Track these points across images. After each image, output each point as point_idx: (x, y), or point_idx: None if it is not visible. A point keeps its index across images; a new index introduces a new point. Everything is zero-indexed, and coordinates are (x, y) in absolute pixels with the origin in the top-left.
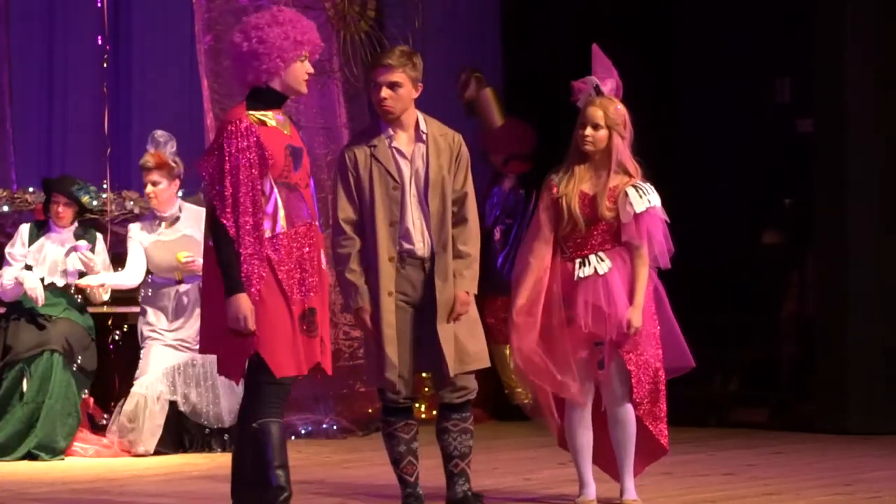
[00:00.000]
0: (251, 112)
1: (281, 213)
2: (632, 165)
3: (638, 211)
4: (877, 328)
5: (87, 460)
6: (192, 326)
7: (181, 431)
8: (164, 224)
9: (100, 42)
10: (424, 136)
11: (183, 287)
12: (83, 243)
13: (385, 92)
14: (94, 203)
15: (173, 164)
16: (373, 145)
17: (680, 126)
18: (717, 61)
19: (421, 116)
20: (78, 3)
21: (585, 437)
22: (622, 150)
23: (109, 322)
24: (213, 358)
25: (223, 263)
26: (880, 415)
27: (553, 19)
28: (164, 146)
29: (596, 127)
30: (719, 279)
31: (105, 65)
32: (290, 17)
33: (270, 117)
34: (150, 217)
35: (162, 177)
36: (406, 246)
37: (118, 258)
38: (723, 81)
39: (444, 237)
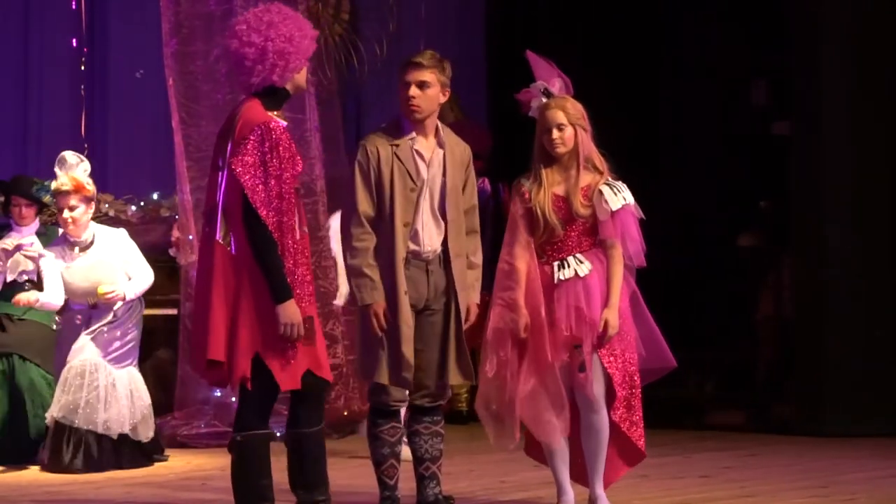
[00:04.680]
0: (270, 112)
1: (298, 217)
2: (598, 159)
3: (614, 209)
4: (853, 330)
5: None
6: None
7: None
8: (77, 249)
9: (74, 45)
10: (444, 144)
11: (96, 312)
12: (27, 241)
13: (414, 90)
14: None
15: (89, 188)
16: (395, 144)
17: (657, 127)
18: (694, 64)
19: (439, 124)
20: (53, 5)
21: (562, 445)
22: (588, 144)
23: None
24: (92, 363)
25: (269, 268)
26: (856, 417)
27: (533, 24)
28: (77, 168)
29: (560, 127)
30: (696, 281)
31: (83, 67)
32: (296, 14)
33: (283, 118)
34: (60, 242)
35: (80, 201)
36: (412, 247)
37: None
38: (700, 83)
39: (459, 245)
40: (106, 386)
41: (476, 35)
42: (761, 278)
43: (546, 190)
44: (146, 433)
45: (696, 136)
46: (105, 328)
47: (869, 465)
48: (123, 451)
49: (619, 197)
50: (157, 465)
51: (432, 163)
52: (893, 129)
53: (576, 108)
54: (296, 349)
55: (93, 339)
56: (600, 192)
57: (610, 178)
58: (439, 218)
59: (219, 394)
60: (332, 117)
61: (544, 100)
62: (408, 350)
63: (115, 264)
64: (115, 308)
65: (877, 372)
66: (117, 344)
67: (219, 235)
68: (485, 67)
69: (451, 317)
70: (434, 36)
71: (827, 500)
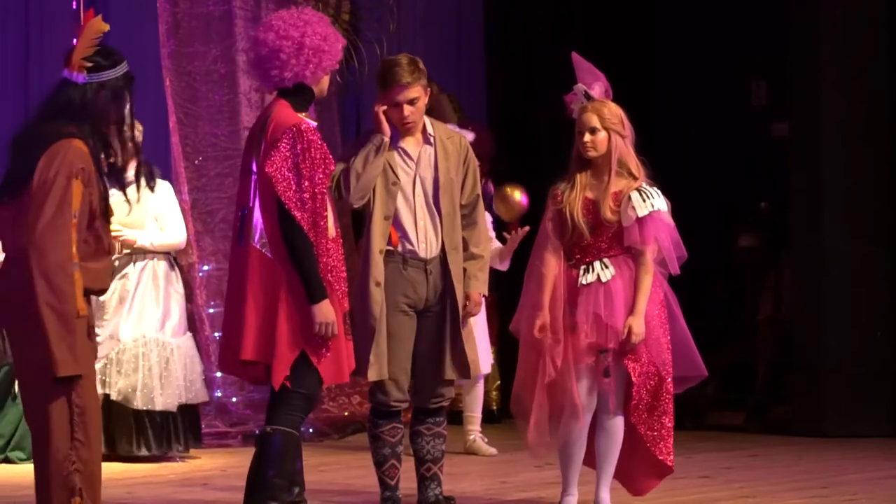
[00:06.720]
0: (299, 113)
1: (331, 217)
2: (635, 165)
3: (640, 215)
4: (852, 331)
5: None
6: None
7: (135, 429)
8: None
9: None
10: (432, 139)
11: (120, 274)
12: None
13: (407, 110)
14: None
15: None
16: None
17: (656, 129)
18: (693, 65)
19: (427, 119)
20: (53, 5)
21: (579, 448)
22: (623, 149)
23: None
24: (144, 341)
25: (305, 269)
26: (856, 418)
27: (533, 24)
28: None
29: (593, 131)
30: (695, 282)
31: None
32: (328, 20)
33: (312, 119)
34: None
35: None
36: (408, 247)
37: None
38: (699, 85)
39: (455, 239)
40: (159, 362)
41: (476, 35)
42: (761, 279)
43: (578, 193)
44: (201, 397)
45: (696, 137)
46: (136, 299)
47: (869, 465)
48: (174, 428)
49: (648, 204)
50: (157, 465)
51: (420, 160)
52: (893, 129)
53: (613, 113)
54: (339, 344)
55: (132, 313)
56: (629, 197)
57: (644, 185)
58: (435, 214)
59: (219, 394)
60: (331, 118)
61: (584, 102)
62: (381, 342)
63: (147, 208)
64: (122, 251)
65: (877, 372)
66: (167, 314)
67: (256, 240)
68: (485, 68)
69: (448, 314)
70: (434, 36)
71: (827, 501)
